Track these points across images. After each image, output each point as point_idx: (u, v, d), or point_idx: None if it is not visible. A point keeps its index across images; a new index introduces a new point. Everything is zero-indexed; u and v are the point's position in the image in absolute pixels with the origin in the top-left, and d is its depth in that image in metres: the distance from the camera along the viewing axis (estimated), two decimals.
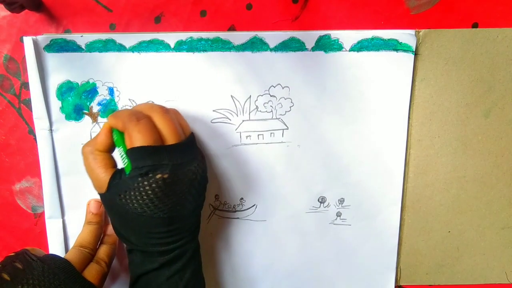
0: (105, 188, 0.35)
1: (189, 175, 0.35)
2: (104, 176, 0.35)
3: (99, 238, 0.43)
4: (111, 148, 0.37)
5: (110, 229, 0.44)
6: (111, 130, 0.37)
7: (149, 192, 0.33)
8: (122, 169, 0.36)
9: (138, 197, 0.34)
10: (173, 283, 0.37)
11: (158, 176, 0.33)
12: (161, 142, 0.35)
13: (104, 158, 0.36)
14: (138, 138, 0.33)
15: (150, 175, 0.33)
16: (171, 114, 0.37)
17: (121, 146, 0.36)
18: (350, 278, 0.49)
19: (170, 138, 0.35)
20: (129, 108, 0.37)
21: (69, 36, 0.42)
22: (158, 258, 0.36)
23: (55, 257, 0.38)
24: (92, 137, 0.44)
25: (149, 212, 0.34)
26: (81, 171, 0.44)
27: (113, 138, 0.37)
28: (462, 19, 0.44)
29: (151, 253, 0.36)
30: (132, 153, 0.34)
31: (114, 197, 0.35)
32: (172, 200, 0.34)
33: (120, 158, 0.36)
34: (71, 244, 0.46)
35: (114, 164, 0.37)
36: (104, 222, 0.44)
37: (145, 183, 0.33)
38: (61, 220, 0.46)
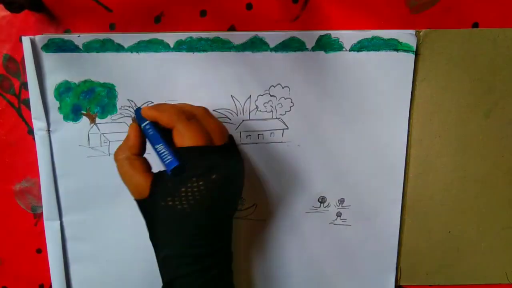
0: (147, 193, 0.34)
1: (235, 175, 0.36)
2: (145, 182, 0.34)
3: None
4: (144, 150, 0.37)
5: None
6: (139, 130, 0.36)
7: (204, 192, 0.33)
8: (162, 171, 0.35)
9: (190, 197, 0.33)
10: None
11: (214, 176, 0.33)
12: (211, 143, 0.34)
13: (142, 163, 0.35)
14: (190, 137, 0.33)
15: (206, 175, 0.33)
16: (214, 115, 0.37)
17: (160, 144, 0.34)
18: (350, 278, 0.49)
19: (218, 139, 0.35)
20: (168, 104, 0.36)
21: (66, 36, 0.42)
22: (194, 264, 0.35)
23: None
24: (90, 139, 0.44)
25: (198, 213, 0.33)
26: (78, 173, 0.45)
27: (147, 134, 0.36)
28: (463, 19, 0.43)
29: (188, 258, 0.35)
30: (185, 153, 0.33)
31: (159, 201, 0.34)
32: (223, 198, 0.34)
33: (157, 156, 0.35)
34: (69, 246, 0.46)
35: (150, 167, 0.36)
36: None
37: (200, 183, 0.33)
38: (58, 221, 0.46)
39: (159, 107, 0.35)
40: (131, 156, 0.35)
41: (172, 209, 0.33)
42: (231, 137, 0.38)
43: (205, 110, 0.37)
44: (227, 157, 0.35)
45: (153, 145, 0.35)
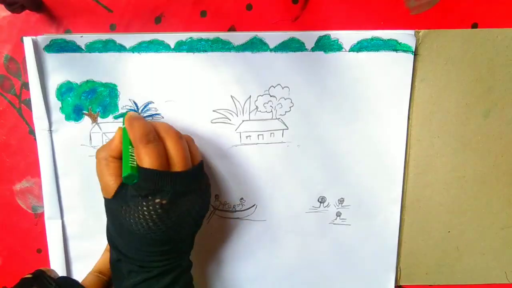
0: (111, 195, 0.36)
1: (188, 205, 0.36)
2: (113, 184, 0.36)
3: None
4: None
5: None
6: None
7: (146, 213, 0.34)
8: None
9: (135, 215, 0.34)
10: None
11: (157, 200, 0.34)
12: (168, 167, 0.35)
13: (116, 166, 0.37)
14: (145, 160, 0.34)
15: (150, 197, 0.34)
16: (184, 141, 0.37)
17: (127, 149, 0.36)
18: (350, 278, 0.49)
19: (177, 165, 0.35)
20: (142, 121, 0.37)
21: (69, 37, 0.42)
22: (145, 271, 0.36)
23: (72, 282, 0.38)
24: (92, 138, 0.44)
25: (142, 231, 0.34)
26: (80, 172, 0.45)
27: (122, 139, 0.37)
28: (462, 19, 0.44)
29: (139, 266, 0.36)
30: (138, 173, 0.34)
31: (116, 206, 0.35)
32: (166, 224, 0.35)
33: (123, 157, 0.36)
34: (70, 245, 0.47)
35: None
36: None
37: (144, 203, 0.34)
38: (60, 221, 0.46)
39: (133, 122, 0.36)
40: (109, 158, 0.37)
41: (123, 218, 0.35)
42: (198, 165, 0.38)
43: (175, 134, 0.37)
44: (182, 184, 0.35)
45: (125, 146, 0.36)
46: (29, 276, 0.37)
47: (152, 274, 0.36)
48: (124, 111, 0.44)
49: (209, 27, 0.43)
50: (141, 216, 0.34)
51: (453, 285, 0.50)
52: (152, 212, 0.34)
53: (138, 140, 0.35)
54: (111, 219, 0.37)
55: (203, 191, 0.38)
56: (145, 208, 0.34)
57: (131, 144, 0.36)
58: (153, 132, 0.36)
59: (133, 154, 0.36)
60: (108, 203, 0.37)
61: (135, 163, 0.35)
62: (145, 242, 0.35)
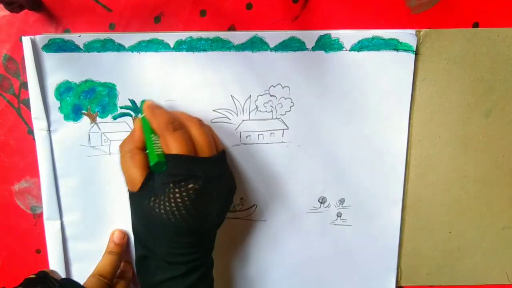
0: (138, 187, 0.35)
1: (218, 190, 0.36)
2: (139, 176, 0.35)
3: (118, 268, 0.43)
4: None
5: (126, 266, 0.45)
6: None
7: (179, 200, 0.34)
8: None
9: (167, 204, 0.34)
10: None
11: (190, 185, 0.34)
12: (195, 154, 0.35)
13: (141, 158, 0.36)
14: (174, 146, 0.34)
15: (183, 183, 0.34)
16: (207, 127, 0.38)
17: (149, 137, 0.37)
18: (350, 279, 0.49)
19: (204, 151, 0.36)
20: (164, 110, 0.38)
21: (67, 36, 0.42)
22: (173, 268, 0.36)
23: (74, 284, 0.38)
24: (91, 138, 0.44)
25: (173, 220, 0.34)
26: (79, 173, 0.45)
27: (143, 129, 0.38)
28: (463, 18, 0.44)
29: (167, 263, 0.36)
30: (168, 160, 0.34)
31: (144, 199, 0.35)
32: (199, 211, 0.34)
33: (147, 147, 0.37)
34: (69, 245, 0.46)
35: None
36: (124, 254, 0.45)
37: (177, 190, 0.34)
38: (59, 221, 0.46)
39: (155, 110, 0.38)
40: (134, 150, 0.37)
41: (153, 210, 0.34)
42: (222, 152, 0.38)
43: (198, 121, 0.38)
44: (212, 169, 0.35)
45: (147, 135, 0.37)
46: (33, 276, 0.37)
47: (180, 271, 0.36)
48: (124, 111, 0.44)
49: (209, 26, 0.43)
50: (173, 204, 0.33)
51: (454, 286, 0.50)
52: (186, 198, 0.34)
53: (163, 128, 0.35)
54: (139, 213, 0.36)
55: (228, 179, 0.39)
56: (177, 195, 0.33)
57: (152, 133, 0.36)
58: (178, 120, 0.37)
59: (157, 142, 0.36)
60: (135, 197, 0.36)
61: (160, 150, 0.35)
62: (175, 232, 0.35)
